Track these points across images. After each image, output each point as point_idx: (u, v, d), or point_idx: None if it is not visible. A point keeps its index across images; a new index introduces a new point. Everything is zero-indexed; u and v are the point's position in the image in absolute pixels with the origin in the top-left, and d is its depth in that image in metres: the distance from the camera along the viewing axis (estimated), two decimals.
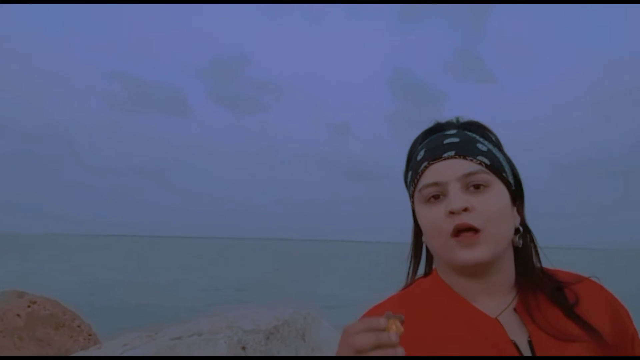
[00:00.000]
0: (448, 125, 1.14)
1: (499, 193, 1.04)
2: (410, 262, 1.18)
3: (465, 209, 1.00)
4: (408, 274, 1.19)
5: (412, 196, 1.11)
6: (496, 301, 1.07)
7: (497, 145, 1.13)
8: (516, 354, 1.00)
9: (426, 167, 1.06)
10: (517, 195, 1.11)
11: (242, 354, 3.20)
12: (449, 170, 1.04)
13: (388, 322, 0.89)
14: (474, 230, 1.01)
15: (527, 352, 1.01)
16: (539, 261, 1.13)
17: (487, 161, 1.05)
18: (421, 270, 1.19)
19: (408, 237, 1.18)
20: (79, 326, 6.48)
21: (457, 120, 1.15)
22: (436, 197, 1.04)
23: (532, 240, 1.13)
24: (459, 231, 1.01)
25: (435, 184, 1.04)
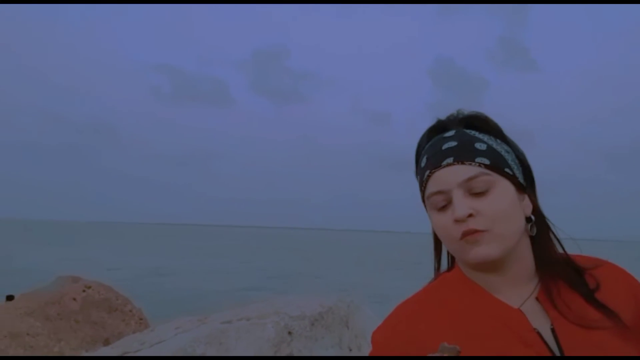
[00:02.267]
0: (449, 122, 1.14)
1: (502, 191, 1.04)
2: (434, 257, 1.19)
3: (470, 215, 1.02)
4: (435, 268, 1.20)
5: (423, 200, 1.12)
6: (518, 291, 1.08)
7: (499, 136, 1.11)
8: (540, 343, 1.01)
9: (429, 175, 1.07)
10: (526, 183, 1.10)
11: (289, 339, 3.31)
12: (450, 177, 1.04)
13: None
14: (480, 232, 1.02)
15: (550, 340, 1.01)
16: (561, 247, 1.13)
17: (486, 161, 1.05)
18: (444, 264, 1.20)
19: None
20: (130, 311, 6.75)
21: (458, 114, 1.14)
22: (444, 202, 1.06)
23: (548, 227, 1.12)
24: (466, 234, 1.03)
25: (440, 192, 1.05)
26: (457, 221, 1.02)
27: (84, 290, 6.57)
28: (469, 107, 1.17)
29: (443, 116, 1.16)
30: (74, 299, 6.41)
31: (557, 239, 1.12)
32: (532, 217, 1.09)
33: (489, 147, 1.07)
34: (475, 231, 1.01)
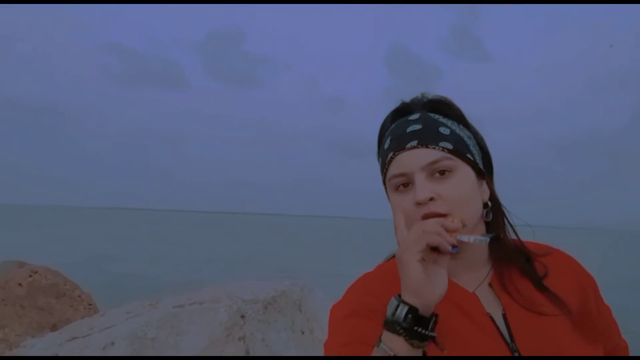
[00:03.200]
0: (413, 105, 1.15)
1: (463, 176, 1.06)
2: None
3: (431, 199, 1.03)
4: None
5: (384, 182, 1.14)
6: (473, 276, 1.11)
7: (462, 121, 1.14)
8: (492, 327, 1.05)
9: (392, 157, 1.09)
10: (485, 169, 1.13)
11: (241, 322, 3.33)
12: (413, 160, 1.05)
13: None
14: (441, 215, 1.02)
15: (502, 324, 1.05)
16: (514, 233, 1.16)
17: (449, 146, 1.06)
18: None
19: None
20: (79, 296, 6.59)
21: (423, 97, 1.16)
22: (405, 184, 1.07)
23: (503, 213, 1.15)
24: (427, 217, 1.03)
25: (402, 174, 1.06)
26: (418, 204, 1.03)
27: (30, 276, 6.36)
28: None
29: (403, 100, 1.17)
30: (20, 285, 6.20)
31: (511, 225, 1.16)
32: (489, 203, 1.12)
33: (452, 132, 1.09)
34: (436, 214, 1.02)
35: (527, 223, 1.21)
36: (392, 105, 1.18)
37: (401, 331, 0.90)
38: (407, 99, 1.17)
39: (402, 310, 0.90)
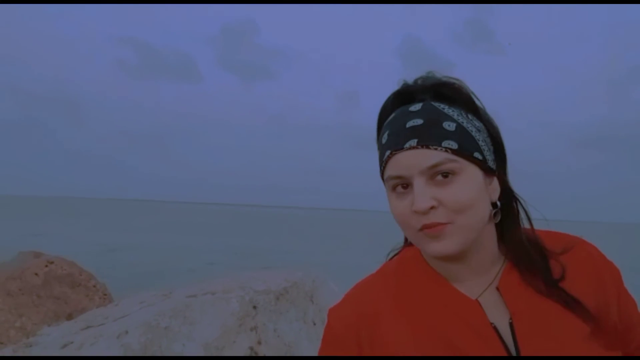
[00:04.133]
0: (416, 90, 1.00)
1: (468, 179, 0.93)
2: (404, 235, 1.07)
3: (432, 207, 0.91)
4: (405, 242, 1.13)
5: (382, 178, 1.01)
6: (479, 280, 1.00)
7: (470, 109, 0.99)
8: (495, 338, 0.93)
9: (389, 157, 0.95)
10: (498, 161, 1.01)
11: (253, 312, 3.35)
12: (411, 162, 0.92)
13: None
14: (442, 224, 0.92)
15: (507, 335, 0.93)
16: (530, 225, 1.04)
17: (454, 145, 0.92)
18: None
19: None
20: (94, 286, 6.68)
21: (428, 79, 1.01)
22: (404, 186, 0.95)
23: (517, 207, 1.04)
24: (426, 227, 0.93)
25: (399, 177, 0.94)
26: (417, 212, 0.92)
27: (46, 266, 6.46)
28: None
29: (406, 81, 1.02)
30: (36, 274, 6.30)
31: (529, 218, 1.04)
32: (498, 203, 1.01)
33: (459, 125, 0.94)
34: (436, 224, 0.91)
35: (544, 217, 1.10)
36: None
37: None
38: (420, 75, 1.03)
39: None
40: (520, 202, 1.04)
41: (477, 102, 1.00)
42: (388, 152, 0.96)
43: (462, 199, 0.91)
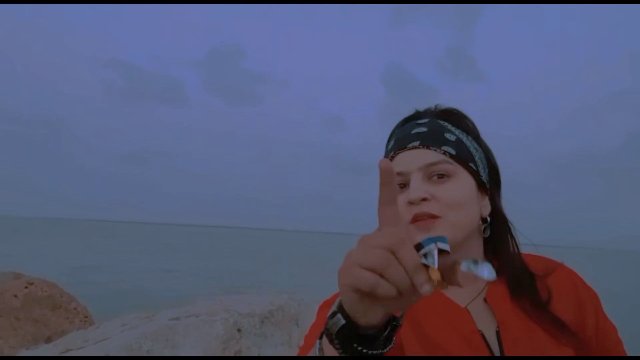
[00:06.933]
0: (425, 113, 1.13)
1: (462, 182, 1.02)
2: None
3: (424, 199, 0.99)
4: None
5: None
6: (467, 290, 1.05)
7: (471, 133, 1.10)
8: (482, 345, 0.98)
9: (392, 157, 1.06)
10: (490, 183, 1.09)
11: (238, 336, 3.31)
12: (412, 159, 1.03)
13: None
14: (433, 217, 0.99)
15: (494, 343, 0.99)
16: (517, 248, 1.10)
17: (452, 151, 1.03)
18: None
19: None
20: (75, 308, 6.56)
21: (436, 108, 1.13)
22: (402, 185, 1.03)
23: (508, 230, 1.10)
24: (417, 218, 0.99)
25: (399, 173, 1.03)
26: (411, 203, 0.99)
27: (26, 287, 6.34)
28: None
29: (417, 109, 1.15)
30: (15, 296, 6.18)
31: (516, 244, 1.10)
32: (488, 219, 1.07)
33: (458, 139, 1.06)
34: (428, 216, 0.98)
35: (532, 242, 1.14)
36: (390, 123, 1.16)
37: (337, 346, 0.73)
38: (410, 115, 1.15)
39: (338, 323, 0.73)
40: (510, 225, 1.11)
41: (476, 130, 1.12)
42: (392, 153, 1.07)
43: (454, 196, 1.00)
